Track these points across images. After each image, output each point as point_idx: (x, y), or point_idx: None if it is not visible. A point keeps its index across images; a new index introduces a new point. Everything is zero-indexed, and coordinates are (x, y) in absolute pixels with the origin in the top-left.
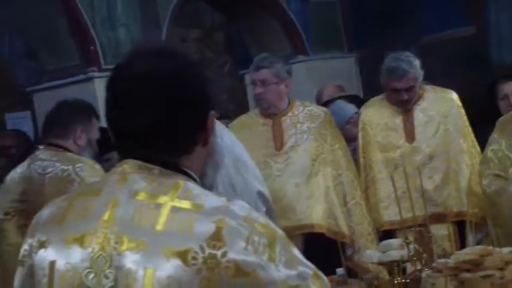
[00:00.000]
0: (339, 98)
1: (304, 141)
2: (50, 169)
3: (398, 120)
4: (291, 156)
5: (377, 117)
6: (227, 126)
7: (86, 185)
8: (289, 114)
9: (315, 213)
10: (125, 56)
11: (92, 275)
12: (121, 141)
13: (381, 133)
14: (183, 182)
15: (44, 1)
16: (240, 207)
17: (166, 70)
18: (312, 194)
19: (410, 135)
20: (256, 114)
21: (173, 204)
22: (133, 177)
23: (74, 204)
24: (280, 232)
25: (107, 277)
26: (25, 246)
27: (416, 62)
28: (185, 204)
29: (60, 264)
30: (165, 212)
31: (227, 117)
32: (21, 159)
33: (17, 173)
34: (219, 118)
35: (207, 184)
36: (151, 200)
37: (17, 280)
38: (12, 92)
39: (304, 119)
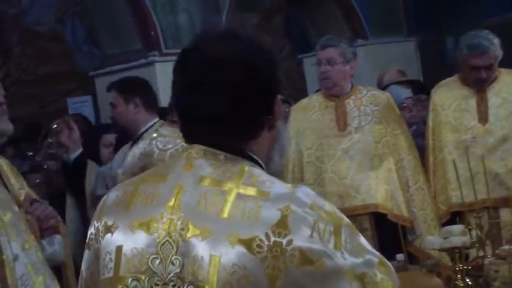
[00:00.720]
0: (399, 82)
1: (368, 123)
2: (170, 145)
3: (472, 101)
4: (354, 138)
5: (449, 98)
6: (287, 110)
7: (153, 170)
8: (353, 97)
9: (379, 194)
10: (192, 39)
11: (158, 261)
12: (188, 125)
13: (453, 114)
14: (248, 168)
15: None
16: (305, 194)
17: (237, 54)
18: (375, 175)
19: (483, 117)
20: (318, 97)
21: (238, 191)
22: (199, 163)
23: (140, 189)
24: (346, 220)
25: (173, 263)
26: (92, 230)
27: (496, 41)
28: (250, 191)
29: (127, 249)
30: (230, 199)
31: (285, 101)
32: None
33: (138, 148)
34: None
35: (273, 169)
36: (216, 186)
37: (84, 263)
38: (74, 77)
39: (367, 102)
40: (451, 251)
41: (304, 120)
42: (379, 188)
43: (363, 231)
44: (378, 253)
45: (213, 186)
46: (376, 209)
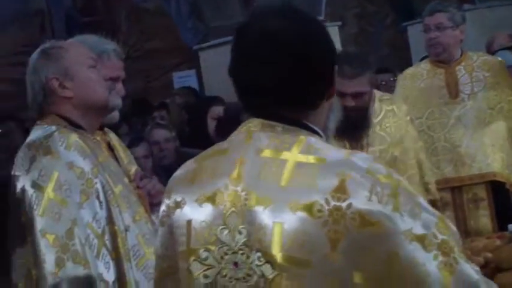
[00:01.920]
0: (511, 48)
1: (481, 90)
2: None
3: None
4: (468, 105)
5: None
6: (393, 79)
7: (214, 146)
8: (463, 63)
9: (496, 162)
10: (249, 15)
11: (226, 231)
12: (247, 98)
13: None
14: (305, 138)
15: None
16: (361, 158)
17: (294, 26)
18: (490, 142)
19: None
20: (426, 65)
21: (296, 160)
22: (257, 136)
23: (203, 164)
24: (403, 182)
25: (240, 232)
26: (163, 207)
27: None
28: (308, 159)
29: (196, 222)
30: (289, 167)
31: (389, 71)
32: (191, 115)
33: None
34: (380, 72)
35: (329, 137)
36: (275, 156)
37: (159, 239)
38: (179, 51)
39: (479, 67)
40: None
41: (413, 88)
42: (495, 156)
43: (479, 200)
44: (437, 213)
45: (272, 156)
46: (494, 178)
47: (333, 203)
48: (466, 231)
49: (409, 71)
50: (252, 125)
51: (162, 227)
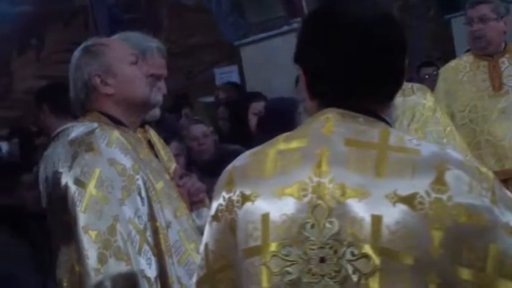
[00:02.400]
0: None
1: None
2: None
3: None
4: (511, 97)
5: None
6: (436, 73)
7: (284, 135)
8: (507, 55)
9: None
10: (325, 3)
11: (310, 225)
12: (320, 87)
13: None
14: (390, 129)
15: None
16: (455, 151)
17: (372, 16)
18: None
19: None
20: (468, 58)
21: (388, 151)
22: (339, 126)
23: (275, 155)
24: (493, 175)
25: (328, 226)
26: (220, 201)
27: None
28: (400, 150)
29: (275, 216)
30: (382, 159)
31: (433, 64)
32: (232, 111)
33: None
34: (424, 65)
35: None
36: (363, 148)
37: (210, 235)
38: (220, 47)
39: None
40: None
41: (455, 81)
42: None
43: None
44: None
45: (360, 147)
46: None
47: (433, 195)
48: None
49: (451, 63)
50: (331, 115)
51: (217, 222)
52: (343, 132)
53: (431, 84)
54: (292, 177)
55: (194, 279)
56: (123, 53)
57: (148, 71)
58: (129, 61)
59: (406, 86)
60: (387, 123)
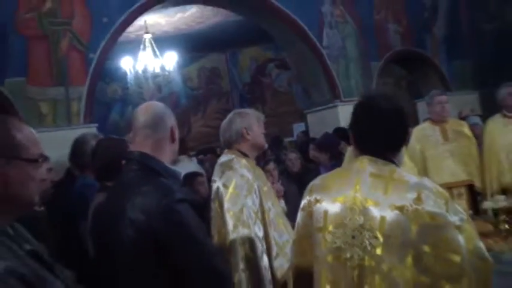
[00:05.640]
0: None
1: None
2: None
3: None
4: None
5: None
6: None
7: (339, 169)
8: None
9: None
10: (364, 95)
11: (348, 218)
12: (362, 145)
13: None
14: (395, 168)
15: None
16: (428, 181)
17: (393, 106)
18: None
19: None
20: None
21: (393, 181)
22: (367, 165)
23: (333, 179)
24: (447, 194)
25: (357, 220)
26: (305, 201)
27: None
28: (398, 180)
29: (331, 213)
30: (388, 185)
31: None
32: (302, 146)
33: None
34: None
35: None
36: (379, 178)
37: (300, 218)
38: (296, 113)
39: None
40: None
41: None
42: None
43: None
44: (464, 213)
45: (377, 178)
46: None
47: (414, 206)
48: None
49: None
50: (365, 160)
51: (303, 212)
52: (369, 169)
53: None
54: (341, 192)
55: (283, 239)
56: (255, 120)
57: (262, 129)
58: (257, 125)
59: None
60: (395, 164)
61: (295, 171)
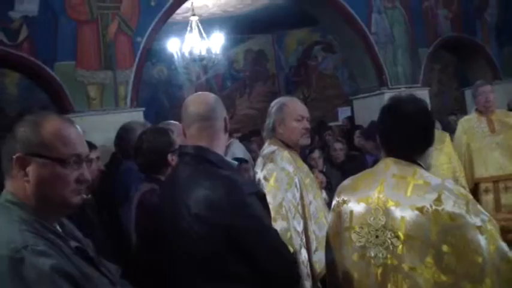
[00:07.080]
0: None
1: None
2: None
3: None
4: None
5: None
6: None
7: (366, 171)
8: None
9: None
10: (392, 99)
11: (372, 218)
12: (389, 147)
13: None
14: (419, 169)
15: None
16: (450, 183)
17: (417, 109)
18: None
19: None
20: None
21: (414, 182)
22: (391, 167)
23: (360, 180)
24: (470, 196)
25: (380, 219)
26: (334, 202)
27: None
28: (420, 181)
29: (356, 212)
30: (410, 186)
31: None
32: (347, 131)
33: None
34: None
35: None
36: (401, 179)
37: (330, 218)
38: (341, 97)
39: None
40: None
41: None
42: None
43: None
44: (488, 214)
45: (399, 179)
46: None
47: (434, 207)
48: None
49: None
50: (390, 161)
51: (333, 213)
52: (393, 170)
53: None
54: (366, 193)
55: (323, 233)
56: (292, 112)
57: (300, 125)
58: (295, 119)
59: None
60: (420, 165)
61: (338, 162)
